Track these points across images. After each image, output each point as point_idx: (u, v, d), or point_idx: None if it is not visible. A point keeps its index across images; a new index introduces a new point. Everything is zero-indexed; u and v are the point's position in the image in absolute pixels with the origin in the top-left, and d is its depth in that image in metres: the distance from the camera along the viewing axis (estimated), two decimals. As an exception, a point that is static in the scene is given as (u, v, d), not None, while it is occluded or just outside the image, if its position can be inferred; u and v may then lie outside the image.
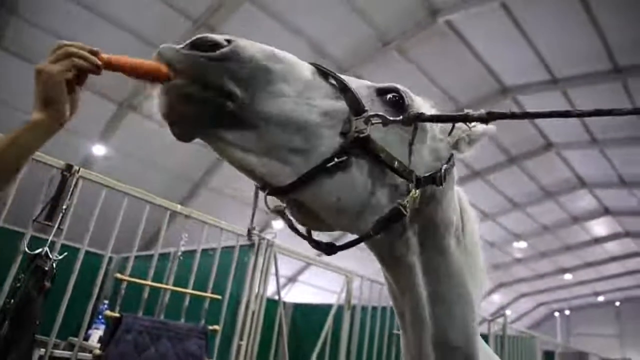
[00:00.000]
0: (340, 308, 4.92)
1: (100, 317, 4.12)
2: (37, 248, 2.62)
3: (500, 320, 6.85)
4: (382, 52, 11.10)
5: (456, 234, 1.32)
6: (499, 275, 24.51)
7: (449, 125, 1.28)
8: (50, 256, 2.62)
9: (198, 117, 0.96)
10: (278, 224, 12.92)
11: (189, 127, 0.98)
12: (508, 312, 28.14)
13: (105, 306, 4.08)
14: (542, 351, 8.06)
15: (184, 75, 0.94)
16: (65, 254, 2.74)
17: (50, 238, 2.68)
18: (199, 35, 0.99)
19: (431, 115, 1.17)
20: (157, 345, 2.96)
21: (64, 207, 2.71)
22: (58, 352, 2.95)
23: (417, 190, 1.14)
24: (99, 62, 1.02)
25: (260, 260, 3.92)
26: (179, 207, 3.52)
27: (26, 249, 2.61)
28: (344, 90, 1.09)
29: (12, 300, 2.39)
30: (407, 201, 1.11)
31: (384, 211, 1.10)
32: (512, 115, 1.18)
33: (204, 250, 3.72)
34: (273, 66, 1.01)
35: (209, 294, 3.53)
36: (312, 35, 10.68)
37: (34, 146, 1.06)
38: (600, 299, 29.73)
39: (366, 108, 1.08)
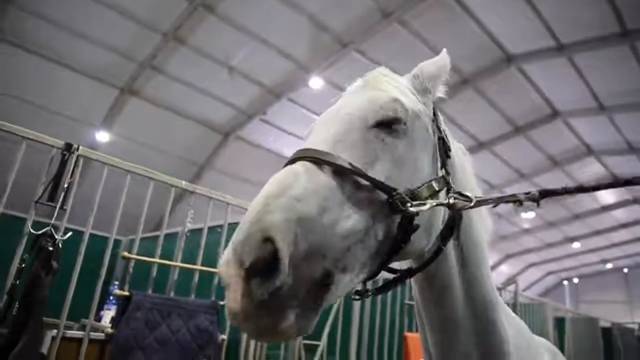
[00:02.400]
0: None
1: (111, 298, 4.13)
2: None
3: (512, 287, 6.85)
4: (383, 24, 10.88)
5: (465, 177, 1.37)
6: (507, 246, 24.58)
7: (431, 87, 1.34)
8: (56, 236, 2.59)
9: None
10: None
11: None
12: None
13: (116, 287, 4.09)
14: (553, 317, 8.09)
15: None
16: (70, 233, 2.71)
17: (54, 218, 2.65)
18: (237, 258, 0.82)
19: (481, 199, 1.18)
20: (169, 322, 2.96)
21: (65, 186, 2.67)
22: (70, 333, 2.96)
23: (450, 182, 1.20)
24: None
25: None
26: (183, 183, 3.47)
27: (30, 230, 2.59)
28: (360, 175, 0.98)
29: (18, 282, 2.38)
30: (451, 197, 1.16)
31: (441, 221, 1.19)
32: (565, 191, 1.15)
33: (211, 228, 3.70)
34: (308, 210, 0.88)
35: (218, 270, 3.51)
36: (312, 10, 10.47)
37: None
38: (609, 266, 29.79)
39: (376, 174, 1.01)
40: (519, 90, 13.67)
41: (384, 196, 0.99)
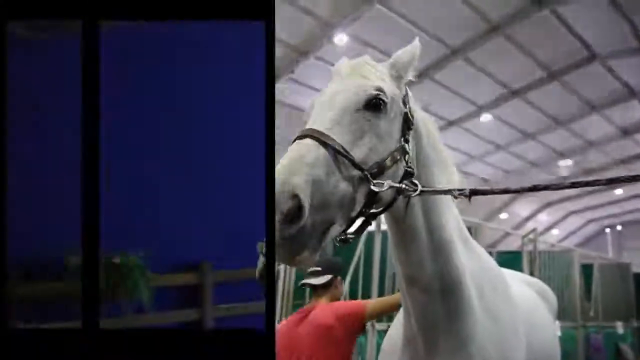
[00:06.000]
0: (371, 234, 5.15)
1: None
2: None
3: (532, 236, 7.00)
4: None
5: (429, 140, 1.72)
6: (546, 195, 24.15)
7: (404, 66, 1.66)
8: None
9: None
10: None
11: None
12: (555, 231, 27.81)
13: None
14: (579, 264, 8.17)
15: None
16: None
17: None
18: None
19: (424, 190, 1.53)
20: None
21: None
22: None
23: (410, 148, 1.55)
24: None
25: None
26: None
27: None
28: (345, 157, 1.33)
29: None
30: (409, 161, 1.53)
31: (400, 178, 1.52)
32: (492, 192, 1.53)
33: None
34: (319, 175, 1.26)
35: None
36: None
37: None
38: (654, 211, 28.94)
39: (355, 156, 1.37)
40: (552, 34, 13.10)
41: (359, 172, 1.35)
